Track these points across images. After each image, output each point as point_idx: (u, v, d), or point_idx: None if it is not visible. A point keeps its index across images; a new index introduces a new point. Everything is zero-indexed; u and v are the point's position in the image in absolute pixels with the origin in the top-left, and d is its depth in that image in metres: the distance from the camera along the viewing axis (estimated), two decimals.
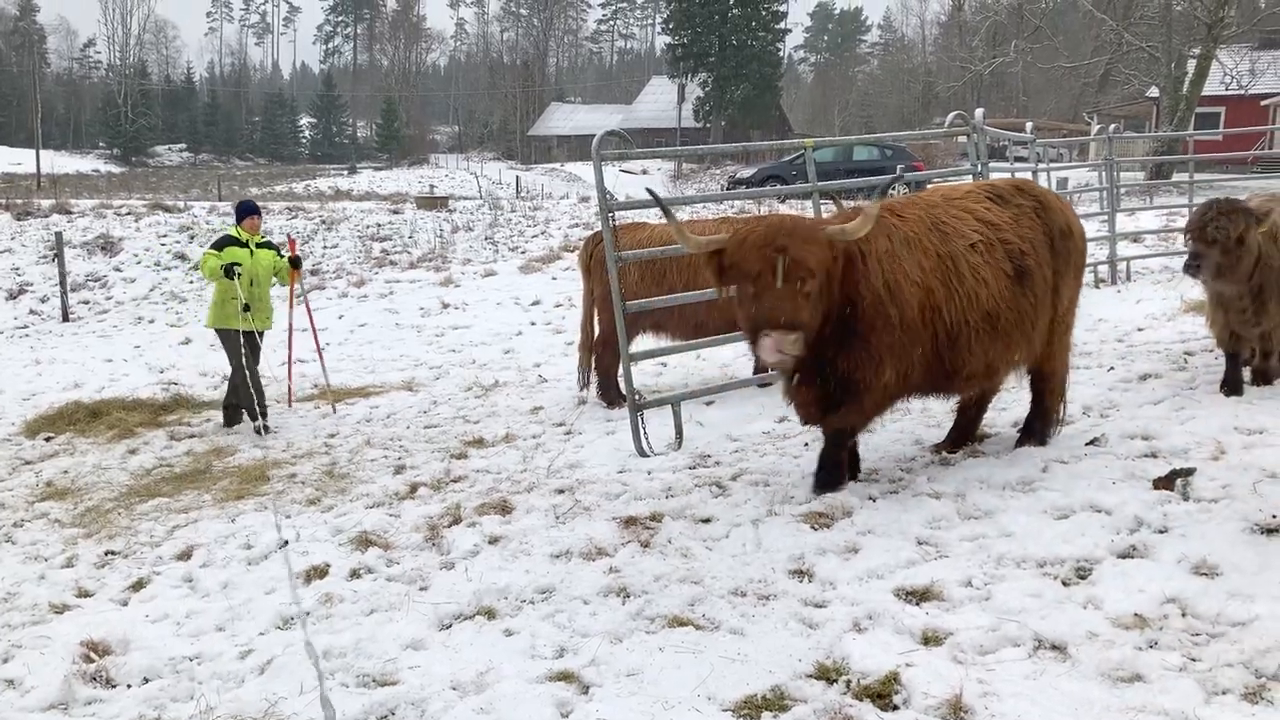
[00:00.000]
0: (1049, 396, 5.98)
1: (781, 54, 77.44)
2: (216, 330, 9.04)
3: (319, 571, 5.13)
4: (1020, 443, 5.86)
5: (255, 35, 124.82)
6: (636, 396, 6.80)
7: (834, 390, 5.12)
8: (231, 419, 9.08)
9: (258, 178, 62.48)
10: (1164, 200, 20.32)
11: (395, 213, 23.46)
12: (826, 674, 3.51)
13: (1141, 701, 3.11)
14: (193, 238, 20.25)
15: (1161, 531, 4.33)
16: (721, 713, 3.34)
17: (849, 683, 3.42)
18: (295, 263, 9.36)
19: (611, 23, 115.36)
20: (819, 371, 5.08)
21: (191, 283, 17.96)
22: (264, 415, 8.69)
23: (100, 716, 3.88)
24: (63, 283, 16.71)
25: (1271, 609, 3.56)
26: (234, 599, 4.94)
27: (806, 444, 6.47)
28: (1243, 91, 36.76)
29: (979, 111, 8.43)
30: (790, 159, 27.40)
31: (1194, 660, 3.32)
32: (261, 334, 9.01)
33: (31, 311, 16.88)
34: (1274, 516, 4.29)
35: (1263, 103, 42.56)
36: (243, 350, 8.72)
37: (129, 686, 4.12)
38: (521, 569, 4.81)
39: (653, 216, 16.60)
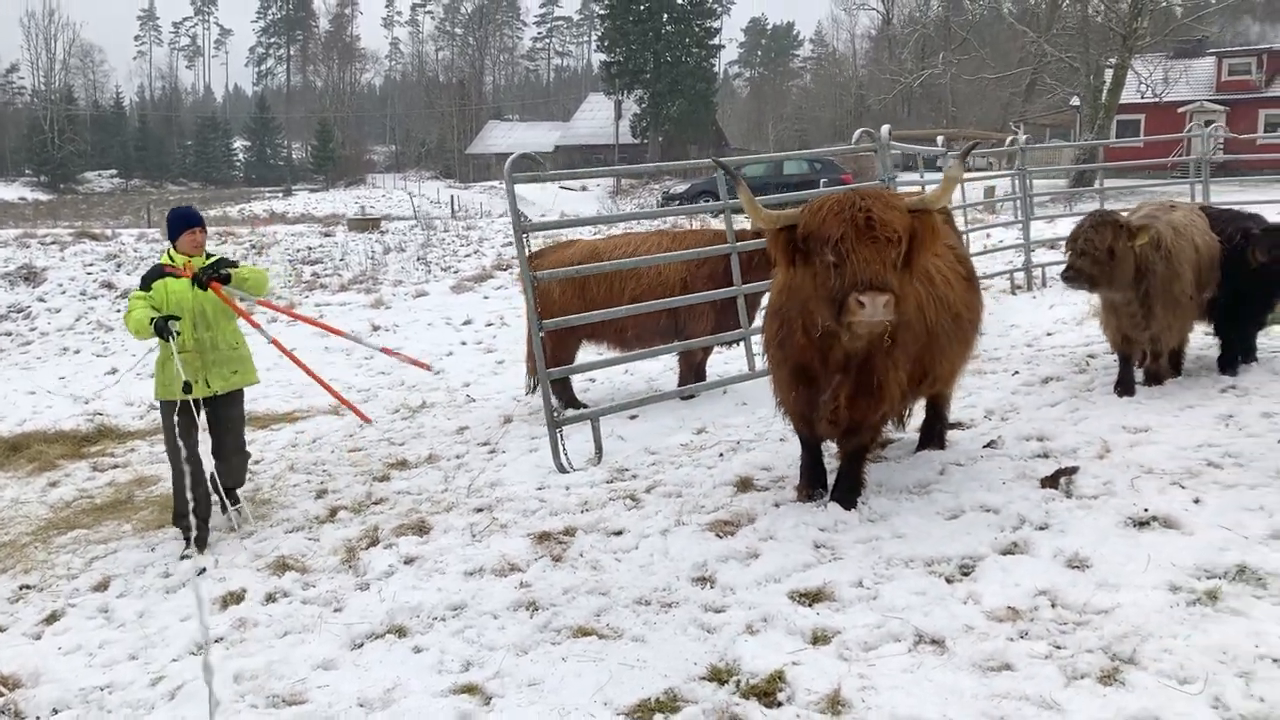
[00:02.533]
0: (945, 401, 6.21)
1: (716, 69, 78.19)
2: (160, 400, 6.34)
3: (235, 597, 5.18)
4: (920, 447, 6.08)
5: (186, 58, 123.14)
6: (555, 413, 6.92)
7: (857, 399, 4.88)
8: (199, 537, 6.10)
9: (191, 202, 61.50)
10: (1085, 207, 20.95)
11: (327, 235, 23.36)
12: (719, 675, 3.66)
13: (1007, 689, 3.30)
14: (119, 265, 19.97)
15: (1042, 528, 4.55)
16: (616, 716, 3.47)
17: (739, 683, 3.57)
18: (203, 281, 6.28)
19: (547, 40, 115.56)
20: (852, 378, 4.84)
21: (119, 311, 17.71)
22: (227, 507, 6.40)
23: None
24: None
25: (1134, 597, 3.78)
26: (149, 628, 4.96)
27: (721, 454, 6.64)
28: (1158, 99, 37.93)
29: (885, 128, 8.70)
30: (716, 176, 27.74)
31: (1059, 648, 3.52)
32: (224, 399, 6.43)
33: None
34: (1145, 510, 4.54)
35: (1179, 109, 44.05)
36: (190, 431, 6.18)
37: (38, 719, 4.14)
38: (435, 587, 4.90)
39: (575, 234, 16.56)
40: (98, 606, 5.39)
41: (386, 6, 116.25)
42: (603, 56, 72.22)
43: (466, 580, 4.96)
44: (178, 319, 6.06)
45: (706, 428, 7.48)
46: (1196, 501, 4.64)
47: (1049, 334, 9.87)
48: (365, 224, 25.21)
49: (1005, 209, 19.47)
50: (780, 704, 3.40)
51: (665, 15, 67.60)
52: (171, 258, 6.40)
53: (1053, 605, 3.82)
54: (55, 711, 4.15)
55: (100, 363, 14.70)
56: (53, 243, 22.49)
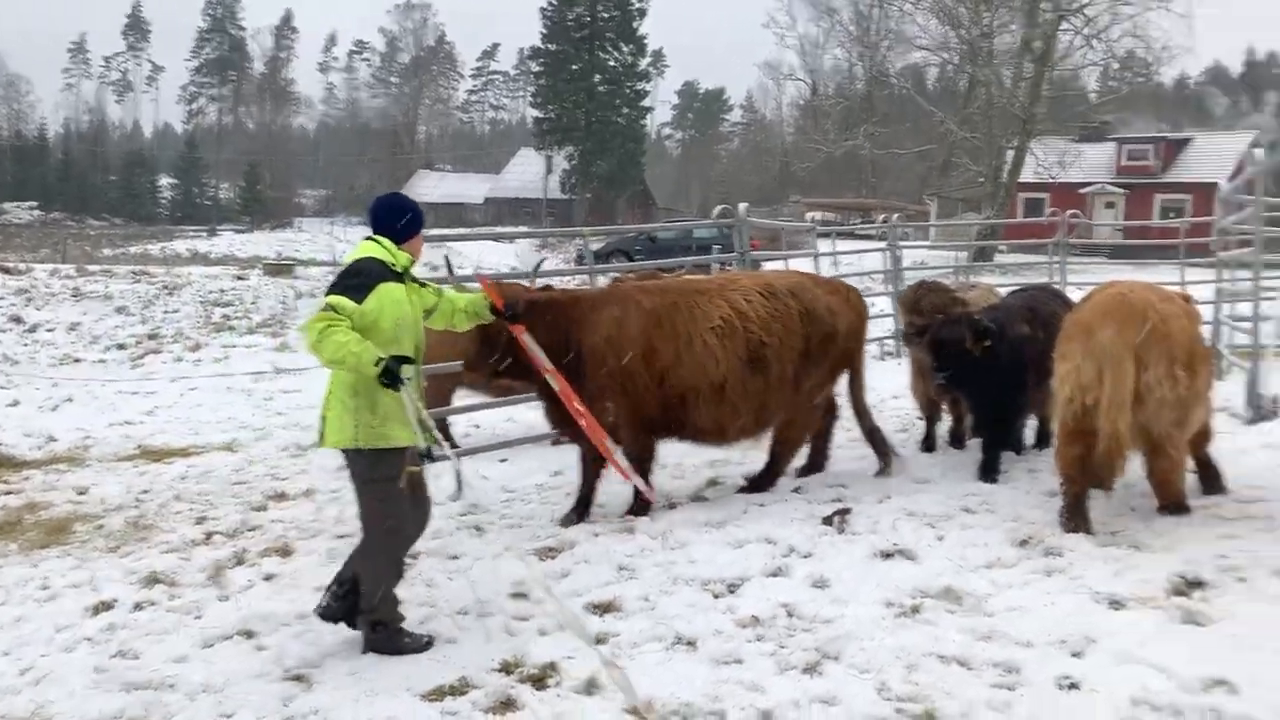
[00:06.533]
0: (779, 457, 7.05)
1: (646, 130, 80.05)
2: (357, 451, 4.67)
3: (106, 605, 5.73)
4: (742, 490, 6.89)
5: (116, 93, 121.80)
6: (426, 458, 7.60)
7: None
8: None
9: (112, 238, 60.81)
10: (980, 280, 22.28)
11: (240, 278, 23.84)
12: (507, 667, 4.39)
13: (729, 677, 4.09)
14: (29, 300, 20.21)
15: (806, 556, 5.38)
16: (413, 697, 4.18)
17: (521, 673, 4.30)
18: (514, 316, 5.64)
19: (483, 94, 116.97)
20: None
21: (26, 345, 17.94)
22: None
23: None
24: None
25: (855, 610, 4.62)
26: (23, 630, 5.50)
27: (568, 494, 7.36)
28: (1053, 179, 40.17)
29: (742, 206, 9.63)
30: (634, 236, 28.98)
31: (783, 647, 4.33)
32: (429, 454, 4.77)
33: None
34: (894, 544, 5.39)
35: (1081, 190, 46.56)
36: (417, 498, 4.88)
37: None
38: (287, 599, 5.54)
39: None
40: None
41: (323, 52, 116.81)
42: (536, 112, 73.80)
43: (316, 593, 5.55)
44: (412, 361, 4.50)
45: (565, 471, 8.18)
46: (940, 539, 5.51)
47: (895, 397, 10.79)
48: (280, 269, 25.69)
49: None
50: (548, 686, 4.16)
51: (598, 76, 69.39)
52: (390, 254, 4.68)
53: (789, 615, 4.64)
54: None
55: (2, 395, 14.97)
56: None
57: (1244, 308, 10.81)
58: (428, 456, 4.63)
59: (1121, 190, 48.20)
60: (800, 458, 7.34)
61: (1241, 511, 5.84)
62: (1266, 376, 8.83)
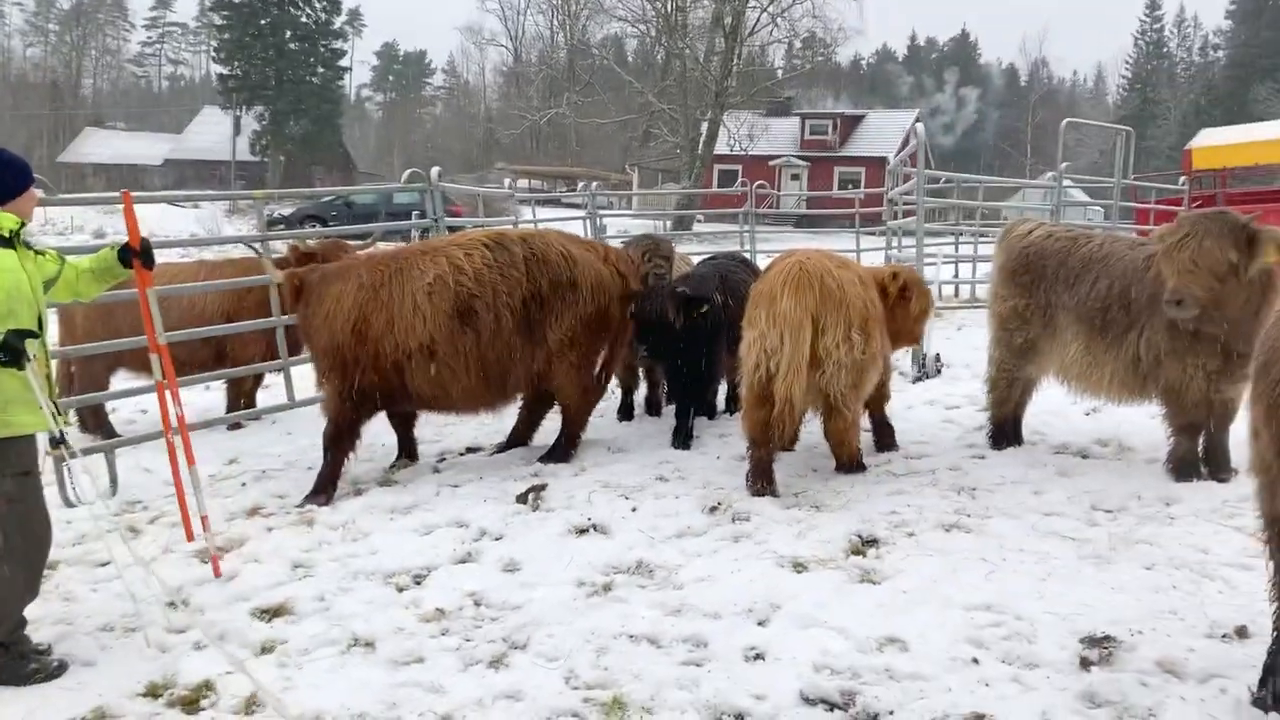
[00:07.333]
0: (567, 423, 6.71)
1: (345, 91, 76.64)
2: None
3: None
4: (542, 459, 6.57)
5: None
6: (62, 445, 6.70)
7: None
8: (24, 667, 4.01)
9: None
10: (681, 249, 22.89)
11: None
12: (155, 690, 3.85)
13: (410, 678, 3.78)
14: None
15: (498, 539, 5.14)
16: None
17: (171, 695, 3.79)
18: (146, 256, 4.79)
19: (159, 46, 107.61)
20: None
21: None
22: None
23: None
24: None
25: (546, 593, 4.42)
26: None
27: (244, 484, 6.75)
28: (744, 152, 42.12)
29: (435, 170, 9.20)
30: (328, 201, 27.61)
31: (468, 640, 4.06)
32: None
33: None
34: (589, 519, 5.25)
35: (770, 163, 49.11)
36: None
37: None
38: None
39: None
40: None
41: None
42: (220, 69, 68.70)
43: None
44: (35, 336, 4.01)
45: (240, 458, 7.51)
46: (634, 510, 5.43)
47: None
48: None
49: None
50: (202, 709, 3.67)
51: (289, 32, 65.57)
52: None
53: (477, 605, 4.38)
54: None
55: None
56: None
57: None
58: (60, 444, 4.21)
59: (805, 163, 51.20)
60: (503, 432, 7.15)
61: (910, 468, 6.18)
62: (929, 337, 9.49)
